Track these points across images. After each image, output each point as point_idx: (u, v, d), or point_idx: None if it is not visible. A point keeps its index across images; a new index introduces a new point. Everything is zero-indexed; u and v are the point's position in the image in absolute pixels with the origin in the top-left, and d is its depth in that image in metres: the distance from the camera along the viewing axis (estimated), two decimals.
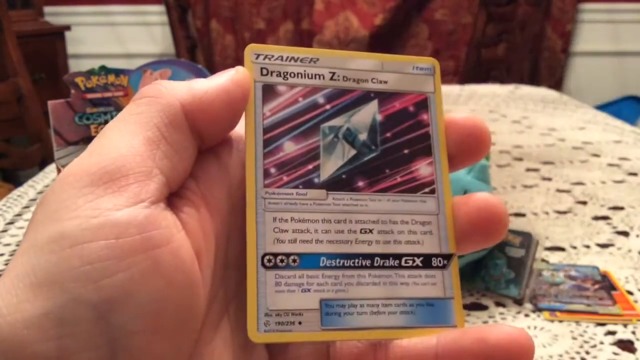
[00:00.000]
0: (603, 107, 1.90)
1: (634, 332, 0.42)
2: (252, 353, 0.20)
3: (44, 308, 0.16)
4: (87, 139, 0.49)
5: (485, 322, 0.43)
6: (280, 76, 0.21)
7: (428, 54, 2.10)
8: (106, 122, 0.49)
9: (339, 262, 0.20)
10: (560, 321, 0.43)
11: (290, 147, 0.20)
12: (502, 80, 1.81)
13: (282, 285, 0.19)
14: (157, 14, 2.18)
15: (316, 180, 0.20)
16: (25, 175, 1.53)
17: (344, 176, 0.21)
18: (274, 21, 2.13)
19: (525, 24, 2.02)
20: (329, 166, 0.21)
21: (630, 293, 0.47)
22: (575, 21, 2.18)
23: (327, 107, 0.21)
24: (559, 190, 0.71)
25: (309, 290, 0.19)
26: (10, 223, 0.61)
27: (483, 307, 0.45)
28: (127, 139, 0.18)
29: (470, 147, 0.22)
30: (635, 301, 0.46)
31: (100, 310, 0.16)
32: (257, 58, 0.21)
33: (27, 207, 0.66)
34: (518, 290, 0.45)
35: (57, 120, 0.48)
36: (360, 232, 0.20)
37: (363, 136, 0.21)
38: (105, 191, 0.17)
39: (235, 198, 0.20)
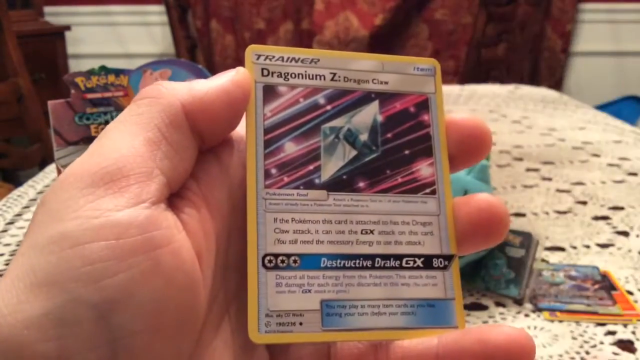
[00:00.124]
0: (603, 107, 1.90)
1: (634, 332, 0.42)
2: (253, 354, 0.20)
3: (44, 308, 0.16)
4: (87, 139, 0.49)
5: (485, 322, 0.43)
6: (281, 77, 0.21)
7: (428, 54, 2.10)
8: (106, 122, 0.49)
9: (340, 263, 0.20)
10: (560, 321, 0.43)
11: (291, 148, 0.20)
12: (502, 80, 1.81)
13: (282, 286, 0.19)
14: (157, 14, 2.18)
15: (317, 180, 0.20)
16: (25, 175, 1.53)
17: (344, 177, 0.21)
18: (274, 21, 2.13)
19: (525, 24, 2.02)
20: (330, 167, 0.21)
21: (630, 293, 0.47)
22: (575, 21, 2.18)
23: (328, 107, 0.21)
24: (559, 190, 0.71)
25: (309, 290, 0.19)
26: (10, 223, 0.61)
27: (483, 307, 0.45)
28: (128, 139, 0.18)
29: (471, 147, 0.22)
30: (635, 301, 0.46)
31: (101, 310, 0.16)
32: (257, 59, 0.21)
33: (27, 207, 0.66)
34: (518, 290, 0.45)
35: (57, 120, 0.48)
36: (361, 233, 0.20)
37: (364, 137, 0.21)
38: (106, 192, 0.17)
39: (235, 198, 0.20)
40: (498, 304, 0.45)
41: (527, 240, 0.47)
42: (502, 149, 0.88)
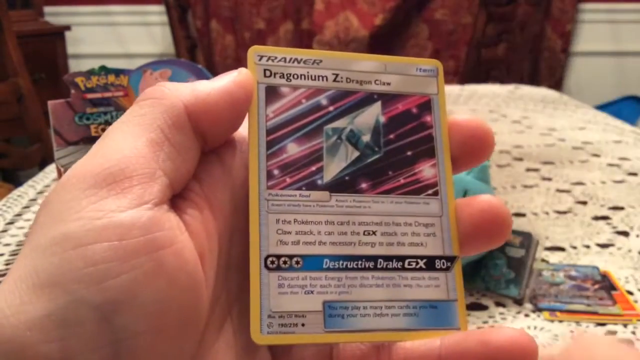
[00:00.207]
0: (603, 107, 1.90)
1: (634, 332, 0.42)
2: (255, 355, 0.20)
3: (46, 309, 0.16)
4: (87, 139, 0.49)
5: (485, 322, 0.43)
6: (283, 78, 0.21)
7: (428, 54, 2.10)
8: (106, 122, 0.49)
9: (342, 264, 0.20)
10: (560, 321, 0.43)
11: (293, 149, 0.20)
12: (502, 80, 1.81)
13: (285, 287, 0.19)
14: (157, 14, 2.18)
15: (319, 181, 0.20)
16: (25, 175, 1.53)
17: (347, 178, 0.21)
18: (274, 21, 2.13)
19: (525, 24, 2.02)
20: (332, 168, 0.21)
21: (630, 293, 0.47)
22: (575, 21, 2.18)
23: (330, 108, 0.21)
24: (559, 190, 0.71)
25: (312, 292, 0.19)
26: (10, 223, 0.61)
27: (483, 307, 0.45)
28: (130, 140, 0.18)
29: (474, 148, 0.22)
30: (635, 301, 0.46)
31: (104, 311, 0.16)
32: (260, 59, 0.21)
33: (27, 207, 0.66)
34: (518, 290, 0.45)
35: (57, 120, 0.48)
36: (364, 234, 0.20)
37: (366, 138, 0.21)
38: (108, 193, 0.17)
39: (238, 199, 0.20)
40: (498, 304, 0.45)
41: (527, 240, 0.47)
42: (502, 149, 0.88)
